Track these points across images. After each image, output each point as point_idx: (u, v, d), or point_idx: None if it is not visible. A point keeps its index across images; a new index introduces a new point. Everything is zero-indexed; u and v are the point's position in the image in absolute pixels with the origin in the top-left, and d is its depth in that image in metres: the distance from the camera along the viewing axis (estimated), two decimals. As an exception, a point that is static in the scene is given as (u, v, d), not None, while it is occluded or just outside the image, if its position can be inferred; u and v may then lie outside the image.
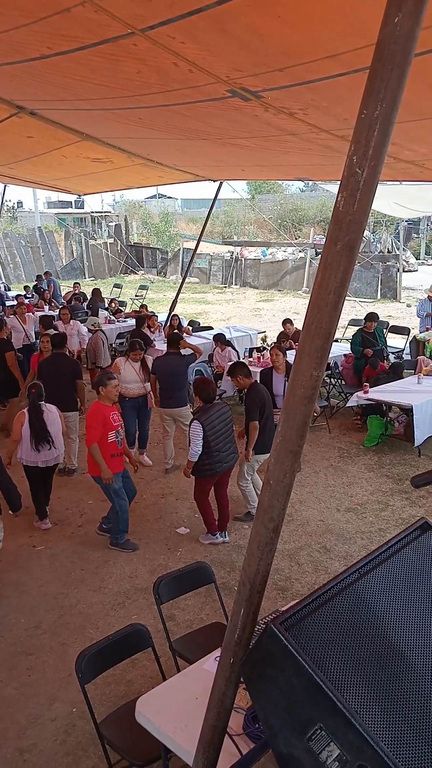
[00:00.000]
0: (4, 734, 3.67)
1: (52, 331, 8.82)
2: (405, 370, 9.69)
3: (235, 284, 26.57)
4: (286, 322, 10.59)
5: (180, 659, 3.65)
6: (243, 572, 1.91)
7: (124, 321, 12.69)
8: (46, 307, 13.84)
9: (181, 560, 5.46)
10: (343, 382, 9.63)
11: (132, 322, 11.97)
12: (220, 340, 9.89)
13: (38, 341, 8.81)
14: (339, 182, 1.45)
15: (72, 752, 3.54)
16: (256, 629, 1.96)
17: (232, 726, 2.47)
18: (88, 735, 3.57)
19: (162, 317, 12.49)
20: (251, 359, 9.49)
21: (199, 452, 5.43)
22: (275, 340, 10.55)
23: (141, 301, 19.58)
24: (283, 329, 10.53)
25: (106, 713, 3.24)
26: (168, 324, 11.45)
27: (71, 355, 8.97)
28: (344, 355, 9.93)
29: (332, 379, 9.63)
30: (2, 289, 18.01)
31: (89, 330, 9.72)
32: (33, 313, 11.83)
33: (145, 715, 2.71)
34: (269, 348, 9.92)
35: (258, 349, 9.88)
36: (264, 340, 10.98)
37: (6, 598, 4.96)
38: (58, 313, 11.43)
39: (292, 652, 1.60)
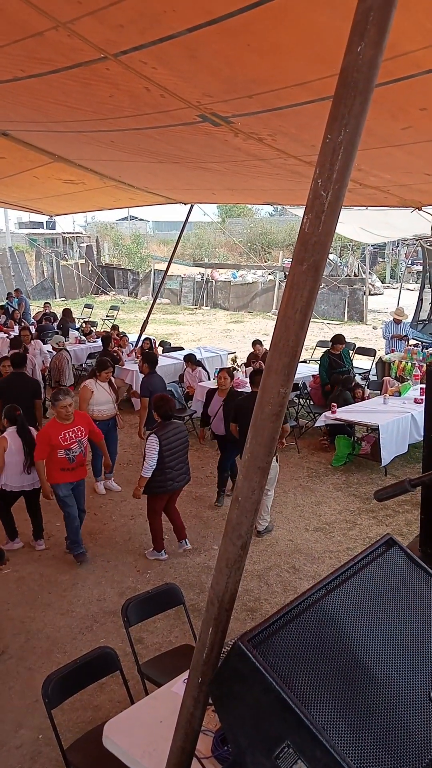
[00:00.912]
0: (-34, 764, 3.57)
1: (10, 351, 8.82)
2: (372, 391, 9.84)
3: (206, 305, 26.73)
4: (256, 343, 10.68)
5: (148, 682, 3.60)
6: (211, 590, 1.90)
7: (96, 341, 12.66)
8: (16, 327, 13.72)
9: (150, 582, 5.41)
10: (312, 403, 9.72)
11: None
12: (190, 360, 9.93)
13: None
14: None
15: (37, 781, 3.46)
16: (224, 649, 1.95)
17: (200, 749, 2.44)
18: (55, 762, 3.49)
19: (133, 337, 12.50)
20: (221, 380, 9.52)
21: (153, 467, 5.43)
22: (245, 361, 10.63)
23: (112, 321, 19.55)
24: (252, 350, 10.62)
25: (74, 739, 3.18)
26: (139, 346, 11.46)
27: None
28: (312, 375, 10.04)
29: (301, 399, 9.72)
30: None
31: (53, 349, 9.67)
32: (8, 335, 11.76)
33: (113, 740, 2.66)
34: (238, 368, 10.00)
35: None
36: (234, 360, 11.04)
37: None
38: (18, 332, 11.40)
39: (260, 669, 1.60)
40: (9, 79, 4.27)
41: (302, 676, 1.61)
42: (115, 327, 13.44)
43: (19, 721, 3.88)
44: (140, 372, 7.80)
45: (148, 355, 7.59)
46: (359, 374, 11.13)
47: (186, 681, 2.01)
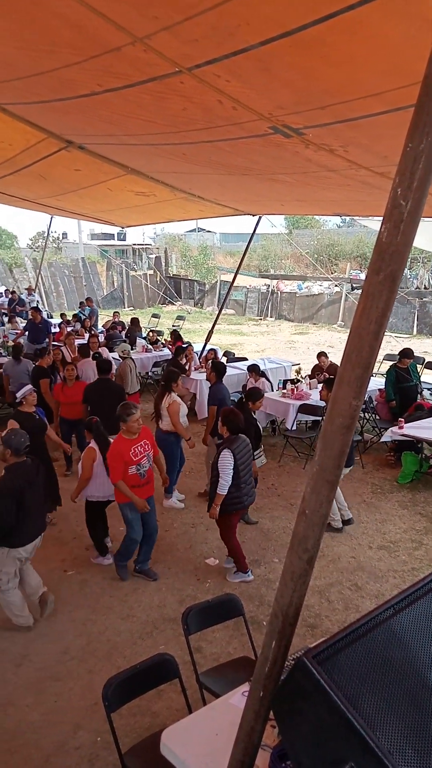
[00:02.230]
0: (28, 761, 3.63)
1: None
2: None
3: (271, 317, 26.69)
4: (321, 355, 10.57)
5: (206, 692, 3.58)
6: (275, 603, 1.88)
7: (162, 350, 12.85)
8: (87, 335, 14.06)
9: (209, 591, 5.40)
10: (378, 417, 9.52)
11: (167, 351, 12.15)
12: (254, 370, 9.90)
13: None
14: (376, 218, 1.47)
15: (94, 783, 3.49)
16: (286, 664, 1.92)
17: (258, 764, 2.41)
18: (112, 766, 3.52)
19: (197, 347, 12.60)
20: (285, 391, 9.47)
21: (229, 483, 5.30)
22: (309, 373, 10.54)
23: (178, 329, 19.75)
24: (317, 362, 10.51)
25: (131, 744, 3.20)
26: (203, 356, 11.54)
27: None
28: (379, 389, 9.83)
29: (366, 414, 9.53)
30: (46, 316, 18.20)
31: (120, 357, 9.83)
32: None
33: (171, 748, 2.65)
34: (302, 380, 9.90)
35: (292, 381, 9.85)
36: (298, 372, 10.95)
37: (35, 621, 4.96)
38: (86, 340, 11.66)
39: (324, 687, 1.56)
40: (87, 94, 4.41)
41: (368, 697, 1.57)
42: (174, 333, 13.60)
43: (78, 723, 3.93)
44: (207, 380, 7.84)
45: (216, 364, 7.61)
46: (428, 389, 10.83)
47: (245, 694, 1.99)
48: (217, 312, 13.72)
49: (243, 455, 5.45)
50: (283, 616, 1.83)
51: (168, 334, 15.26)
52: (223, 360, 12.10)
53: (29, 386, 6.61)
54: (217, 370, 7.44)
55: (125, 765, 3.01)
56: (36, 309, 14.67)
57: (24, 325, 15.19)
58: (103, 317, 19.45)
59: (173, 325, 20.73)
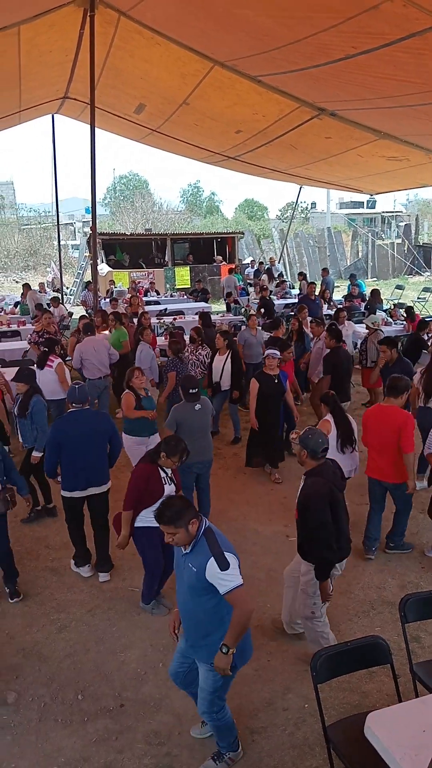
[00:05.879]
0: (238, 711, 3.83)
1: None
2: None
3: None
4: None
5: (420, 684, 3.44)
6: None
7: (402, 322, 12.32)
8: (325, 306, 14.04)
9: (434, 582, 5.14)
10: None
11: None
12: None
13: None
14: None
15: (298, 746, 3.57)
16: None
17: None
18: (316, 734, 3.56)
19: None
20: None
21: None
22: None
23: (423, 304, 18.78)
24: None
25: (337, 717, 3.21)
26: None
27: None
28: None
29: None
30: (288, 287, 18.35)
31: (367, 328, 9.58)
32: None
33: (375, 732, 2.61)
34: None
35: None
36: None
37: (258, 581, 5.18)
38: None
39: None
40: (341, 58, 4.29)
41: None
42: (408, 309, 12.67)
43: (288, 685, 4.04)
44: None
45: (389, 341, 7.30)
46: None
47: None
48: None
49: None
50: None
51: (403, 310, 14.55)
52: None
53: (274, 350, 7.05)
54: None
55: (328, 737, 3.03)
56: (312, 283, 14.69)
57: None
58: (340, 289, 19.10)
59: (419, 298, 19.74)
